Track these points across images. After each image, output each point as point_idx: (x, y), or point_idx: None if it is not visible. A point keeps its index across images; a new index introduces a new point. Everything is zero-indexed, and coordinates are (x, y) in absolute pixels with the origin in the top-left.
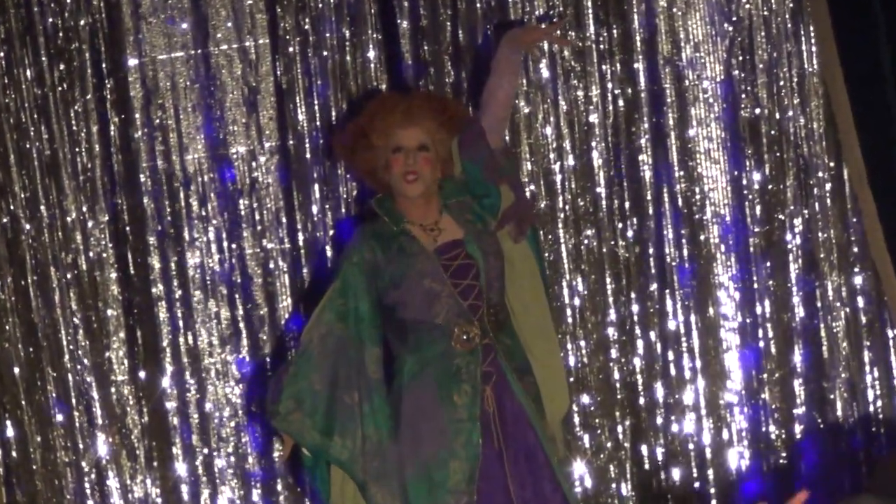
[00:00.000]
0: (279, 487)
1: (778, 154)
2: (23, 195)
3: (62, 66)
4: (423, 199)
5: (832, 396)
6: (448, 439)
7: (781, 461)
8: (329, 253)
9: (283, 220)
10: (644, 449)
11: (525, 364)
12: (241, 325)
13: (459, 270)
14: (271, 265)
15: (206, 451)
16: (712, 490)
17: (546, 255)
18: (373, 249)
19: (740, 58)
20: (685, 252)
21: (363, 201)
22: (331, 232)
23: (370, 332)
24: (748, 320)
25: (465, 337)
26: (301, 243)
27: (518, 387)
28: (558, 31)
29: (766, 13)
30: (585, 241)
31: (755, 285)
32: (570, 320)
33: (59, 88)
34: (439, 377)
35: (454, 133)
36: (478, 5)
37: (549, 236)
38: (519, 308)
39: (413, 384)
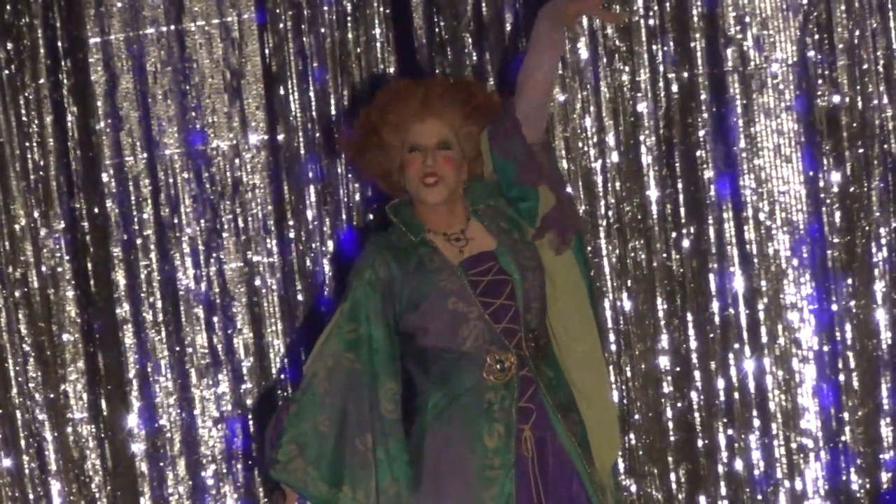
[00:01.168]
0: None
1: (861, 150)
2: None
3: (10, 46)
4: (445, 206)
5: None
6: (477, 490)
7: None
8: (327, 269)
9: (272, 228)
10: (702, 500)
11: (569, 400)
12: (221, 353)
13: (491, 288)
14: (258, 282)
15: (179, 502)
16: None
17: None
18: (388, 265)
19: (816, 36)
20: (751, 267)
21: (368, 206)
22: (329, 243)
23: (386, 365)
24: (826, 348)
25: (498, 367)
26: (293, 256)
27: (561, 427)
28: (603, 4)
29: None
30: (633, 254)
31: (834, 307)
32: (613, 347)
33: (6, 71)
34: (468, 416)
35: (483, 125)
36: None
37: (590, 248)
38: (561, 332)
39: (437, 424)
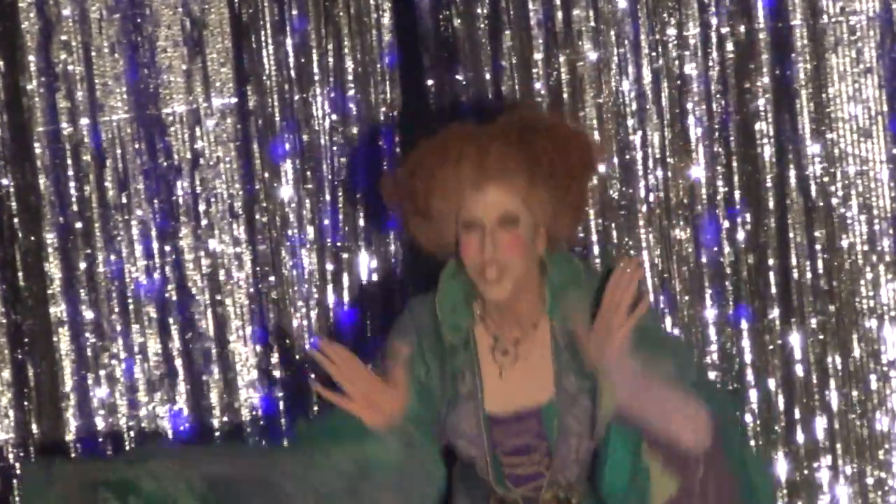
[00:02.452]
0: None
1: None
2: None
3: None
4: (511, 298)
5: None
6: None
7: None
8: (307, 261)
9: (240, 210)
10: None
11: None
12: (178, 362)
13: (518, 449)
14: (221, 276)
15: None
16: None
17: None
18: (425, 363)
19: None
20: (821, 263)
21: (360, 189)
22: (310, 230)
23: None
24: None
25: None
26: (266, 246)
27: None
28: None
29: None
30: (676, 246)
31: None
32: None
33: None
34: None
35: (560, 188)
36: None
37: (627, 239)
38: None
39: None
